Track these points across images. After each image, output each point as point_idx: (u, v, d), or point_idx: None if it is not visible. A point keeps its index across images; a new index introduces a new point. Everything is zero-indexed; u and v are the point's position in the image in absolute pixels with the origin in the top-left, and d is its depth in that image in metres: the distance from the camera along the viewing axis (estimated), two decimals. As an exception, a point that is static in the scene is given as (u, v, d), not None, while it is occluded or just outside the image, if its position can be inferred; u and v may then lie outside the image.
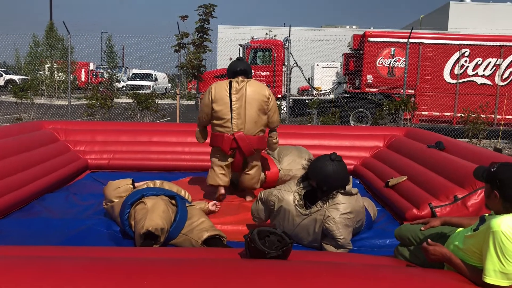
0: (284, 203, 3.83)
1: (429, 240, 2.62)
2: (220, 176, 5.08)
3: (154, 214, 3.63)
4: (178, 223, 3.81)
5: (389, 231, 4.27)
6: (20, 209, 4.77)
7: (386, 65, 13.76)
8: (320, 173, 3.71)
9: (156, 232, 3.54)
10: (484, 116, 11.86)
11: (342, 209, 3.66)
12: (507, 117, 13.31)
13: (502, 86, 13.51)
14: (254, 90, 4.92)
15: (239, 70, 5.02)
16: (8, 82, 28.70)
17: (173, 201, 4.05)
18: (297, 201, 3.80)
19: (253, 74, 5.35)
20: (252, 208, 4.17)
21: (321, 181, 3.69)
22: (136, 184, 4.44)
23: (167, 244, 3.75)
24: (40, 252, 2.65)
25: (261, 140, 5.09)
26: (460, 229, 2.83)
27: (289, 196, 3.84)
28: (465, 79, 13.62)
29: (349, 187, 3.80)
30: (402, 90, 12.93)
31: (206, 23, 10.08)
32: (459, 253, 2.52)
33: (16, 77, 27.62)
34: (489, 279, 2.23)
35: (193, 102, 17.20)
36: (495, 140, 12.33)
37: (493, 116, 13.17)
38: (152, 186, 4.39)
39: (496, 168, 2.45)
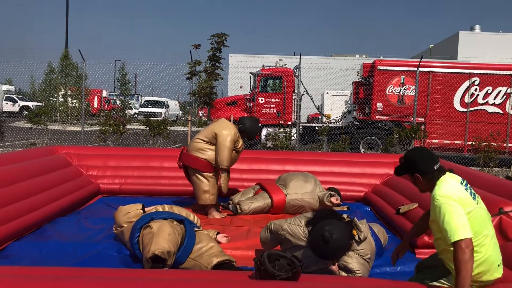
0: (296, 237, 3.84)
1: None
2: None
3: (160, 238, 3.65)
4: (185, 247, 3.81)
5: (400, 258, 4.24)
6: (32, 232, 4.82)
7: (396, 93, 13.83)
8: (328, 256, 3.51)
9: (162, 255, 3.54)
10: (495, 144, 11.80)
11: (360, 254, 3.65)
12: (519, 145, 13.21)
13: (513, 114, 13.47)
14: (213, 123, 5.87)
15: None
16: (23, 108, 29.24)
17: (182, 225, 4.07)
18: (307, 233, 3.79)
19: (245, 126, 5.81)
20: (261, 236, 4.20)
21: (333, 259, 3.56)
22: (146, 209, 4.48)
23: (176, 268, 3.75)
24: (52, 273, 2.68)
25: (192, 159, 5.68)
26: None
27: (299, 230, 3.85)
28: (476, 108, 13.61)
29: (361, 235, 3.65)
30: (412, 118, 12.94)
31: (218, 51, 10.27)
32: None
33: (30, 103, 28.13)
34: (452, 238, 2.51)
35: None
36: (507, 169, 12.21)
37: (504, 144, 13.09)
38: (161, 210, 4.42)
39: (404, 157, 2.85)
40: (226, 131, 5.59)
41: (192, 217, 4.48)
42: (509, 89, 13.43)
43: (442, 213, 2.59)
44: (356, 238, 3.63)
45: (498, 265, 2.71)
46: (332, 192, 5.99)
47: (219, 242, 4.44)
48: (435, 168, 2.78)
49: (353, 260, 3.60)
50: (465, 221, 2.55)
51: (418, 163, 2.79)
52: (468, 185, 2.84)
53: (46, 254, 4.08)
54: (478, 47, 29.02)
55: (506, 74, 13.43)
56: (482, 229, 2.67)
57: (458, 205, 2.60)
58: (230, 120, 5.99)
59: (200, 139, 5.71)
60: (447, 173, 2.82)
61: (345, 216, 3.89)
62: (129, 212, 4.36)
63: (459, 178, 2.82)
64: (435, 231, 2.77)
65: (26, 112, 19.93)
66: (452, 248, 2.56)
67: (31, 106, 26.29)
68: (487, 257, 2.65)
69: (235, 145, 5.64)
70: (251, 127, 5.82)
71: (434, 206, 2.66)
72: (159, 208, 4.48)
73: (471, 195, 2.75)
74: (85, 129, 13.11)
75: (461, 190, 2.72)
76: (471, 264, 2.50)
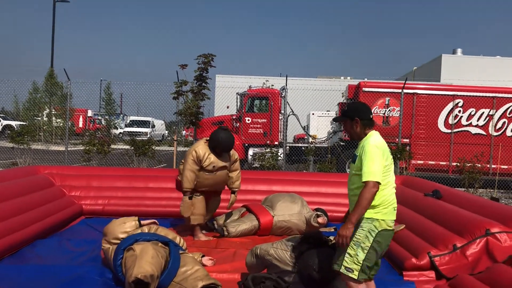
0: (283, 263, 3.79)
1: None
2: None
3: (142, 261, 3.54)
4: (170, 270, 3.71)
5: (388, 281, 4.19)
6: (11, 255, 4.67)
7: (381, 114, 13.95)
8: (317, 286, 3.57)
9: (145, 279, 3.43)
10: (479, 165, 11.92)
11: None
12: (502, 166, 13.36)
13: (496, 136, 13.66)
14: None
15: None
16: (6, 127, 28.79)
17: (166, 248, 3.97)
18: (294, 258, 3.76)
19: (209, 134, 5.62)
20: (246, 261, 4.13)
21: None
22: (142, 222, 4.39)
23: (161, 293, 3.65)
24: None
25: (175, 179, 5.88)
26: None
27: (285, 254, 3.80)
28: (460, 129, 13.78)
29: None
30: (397, 139, 13.04)
31: (205, 71, 10.27)
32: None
33: (13, 123, 27.71)
34: (365, 178, 3.08)
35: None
36: (492, 190, 12.32)
37: (488, 165, 13.23)
38: (147, 231, 4.32)
39: (347, 105, 3.42)
40: (190, 150, 5.44)
41: (178, 239, 4.38)
42: (491, 111, 13.65)
43: (367, 156, 3.14)
44: None
45: (394, 209, 3.28)
46: (319, 213, 5.95)
47: (204, 265, 4.34)
48: (370, 117, 3.36)
49: (340, 282, 3.54)
50: (380, 168, 3.12)
51: (359, 108, 3.39)
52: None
53: (25, 278, 3.95)
54: (461, 70, 29.58)
55: (489, 96, 13.67)
56: (391, 178, 3.27)
57: (381, 154, 3.17)
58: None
59: (182, 160, 5.63)
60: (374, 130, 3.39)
61: (331, 238, 3.85)
62: (125, 223, 4.25)
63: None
64: (357, 170, 3.27)
65: (8, 132, 19.61)
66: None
67: (14, 126, 25.90)
68: (387, 196, 3.21)
69: (202, 165, 5.35)
70: (213, 139, 5.38)
71: (363, 150, 3.20)
72: (145, 229, 4.39)
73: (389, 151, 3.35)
74: (69, 149, 12.92)
75: (385, 145, 3.29)
76: (369, 201, 3.07)
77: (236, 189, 5.76)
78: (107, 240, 4.24)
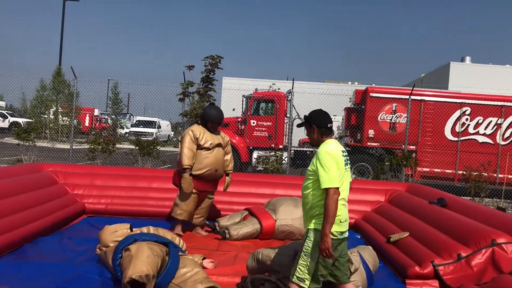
0: (284, 267, 3.74)
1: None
2: None
3: (137, 261, 3.50)
4: (168, 271, 3.67)
5: (391, 288, 4.13)
6: (11, 251, 4.65)
7: (387, 120, 13.87)
8: None
9: (140, 279, 3.39)
10: (486, 174, 11.79)
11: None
12: (510, 176, 13.23)
13: (503, 145, 13.53)
14: None
15: None
16: (13, 124, 28.94)
17: (165, 248, 3.93)
18: None
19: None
20: (247, 265, 4.09)
21: None
22: (134, 229, 4.34)
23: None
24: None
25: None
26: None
27: (288, 260, 3.76)
28: (466, 137, 13.67)
29: (351, 267, 3.66)
30: (403, 146, 12.95)
31: (211, 73, 10.27)
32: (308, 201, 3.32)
33: (21, 120, 27.85)
34: (324, 185, 3.14)
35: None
36: (498, 199, 12.18)
37: (495, 175, 13.10)
38: (146, 231, 4.29)
39: (310, 111, 3.52)
40: (187, 131, 5.70)
41: (178, 240, 4.34)
42: (499, 119, 13.53)
43: (321, 163, 3.21)
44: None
45: (340, 221, 3.27)
46: (322, 218, 5.89)
47: (205, 268, 4.30)
48: (328, 126, 3.43)
49: None
50: (336, 174, 3.18)
51: (317, 117, 3.45)
52: (347, 156, 3.43)
53: (24, 275, 3.92)
54: (469, 77, 29.42)
55: (497, 105, 13.55)
56: (340, 191, 3.25)
57: (333, 162, 3.22)
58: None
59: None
60: (333, 139, 3.47)
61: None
62: (117, 231, 4.21)
63: (342, 147, 3.42)
64: (310, 175, 3.36)
65: (15, 128, 19.72)
66: (314, 191, 3.28)
67: (21, 123, 26.02)
68: None
69: (198, 143, 5.59)
70: (204, 115, 5.73)
71: (316, 157, 3.28)
72: (144, 230, 4.35)
73: (345, 161, 3.36)
74: (74, 147, 12.93)
75: (340, 155, 3.31)
76: (335, 207, 3.12)
77: (230, 171, 6.01)
78: (99, 246, 4.23)
